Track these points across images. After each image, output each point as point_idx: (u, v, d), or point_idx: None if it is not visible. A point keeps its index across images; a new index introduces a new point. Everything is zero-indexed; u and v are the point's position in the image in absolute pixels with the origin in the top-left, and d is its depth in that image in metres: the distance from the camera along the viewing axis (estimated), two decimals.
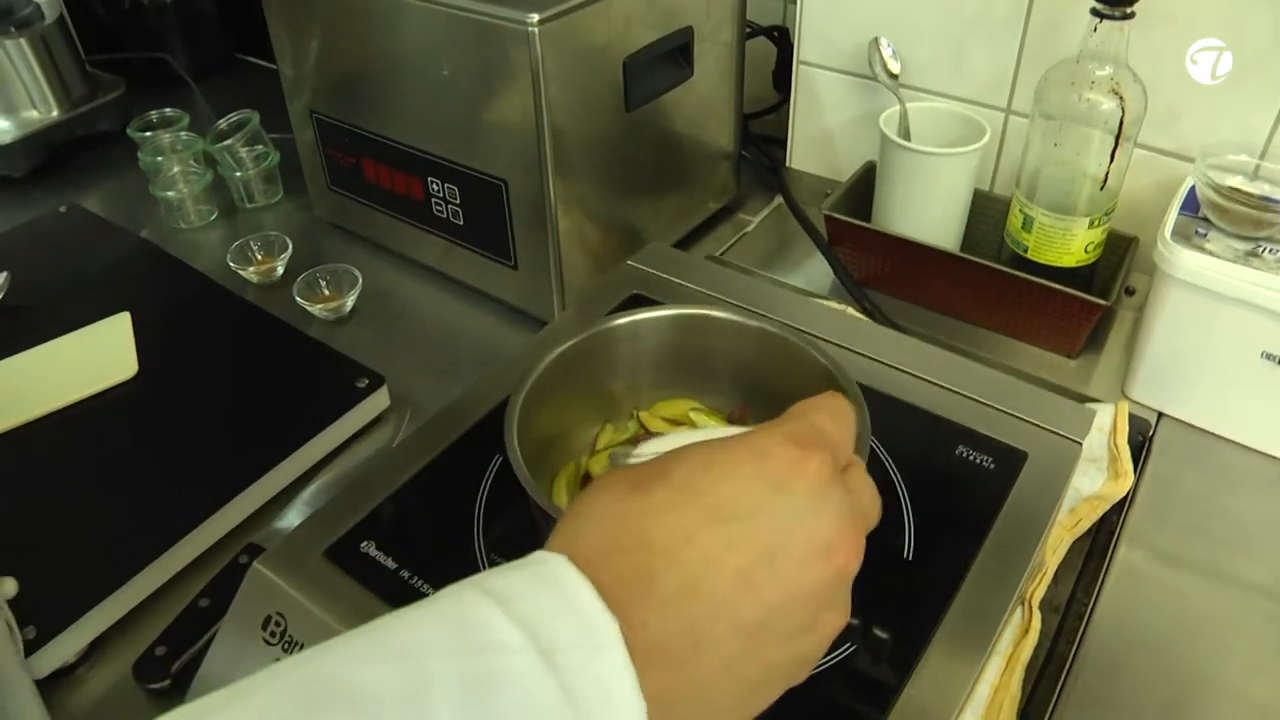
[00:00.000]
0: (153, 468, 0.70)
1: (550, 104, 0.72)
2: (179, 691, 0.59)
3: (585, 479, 0.58)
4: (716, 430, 0.59)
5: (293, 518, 0.69)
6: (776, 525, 0.33)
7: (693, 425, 0.60)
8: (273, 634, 0.55)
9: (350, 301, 0.86)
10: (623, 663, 0.29)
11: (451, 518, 0.58)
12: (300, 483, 0.72)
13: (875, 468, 0.60)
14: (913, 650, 0.50)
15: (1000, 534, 0.56)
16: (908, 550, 0.56)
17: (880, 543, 0.55)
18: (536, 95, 0.71)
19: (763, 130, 1.04)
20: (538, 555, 0.32)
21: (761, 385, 0.60)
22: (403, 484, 0.60)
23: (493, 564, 0.56)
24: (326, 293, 0.87)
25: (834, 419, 0.38)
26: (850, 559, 0.35)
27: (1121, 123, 0.70)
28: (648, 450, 0.57)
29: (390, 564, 0.56)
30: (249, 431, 0.73)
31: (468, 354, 0.83)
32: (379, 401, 0.76)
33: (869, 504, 0.38)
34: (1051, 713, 0.57)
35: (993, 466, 0.60)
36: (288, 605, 0.55)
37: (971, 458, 0.60)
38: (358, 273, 0.87)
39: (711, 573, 0.32)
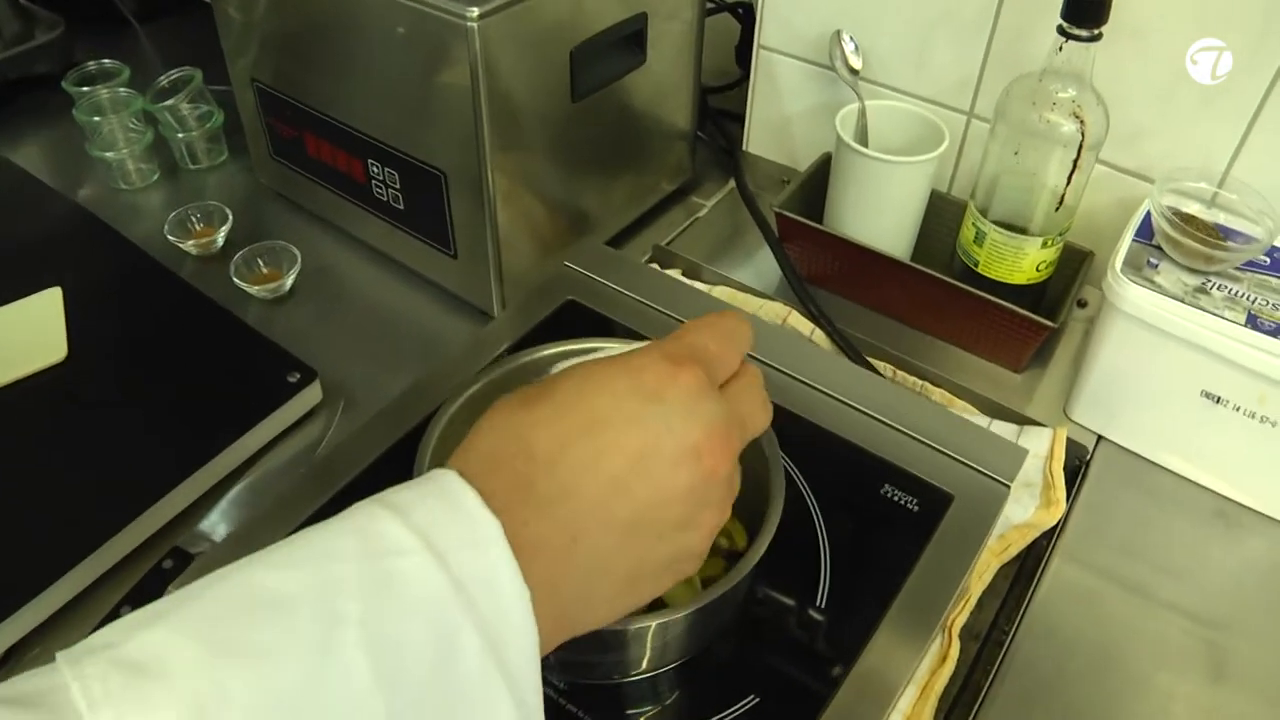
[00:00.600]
0: (75, 465, 0.68)
1: (490, 99, 0.69)
2: None
3: None
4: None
5: (218, 519, 0.68)
6: (647, 432, 0.36)
7: None
8: None
9: (289, 281, 0.84)
10: (505, 557, 0.33)
11: None
12: (227, 482, 0.70)
13: (797, 506, 0.59)
14: (814, 706, 0.50)
15: (916, 586, 0.55)
16: (821, 598, 0.55)
17: (794, 588, 0.56)
18: (475, 91, 0.68)
19: (724, 105, 1.01)
20: (434, 472, 0.36)
21: None
22: (321, 505, 0.59)
23: None
24: (265, 271, 0.85)
25: (715, 336, 0.41)
26: (719, 462, 0.38)
27: (1081, 146, 0.68)
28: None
29: None
30: (176, 428, 0.71)
31: (405, 341, 0.82)
32: (310, 397, 0.75)
33: (751, 413, 0.41)
34: None
35: (917, 509, 0.59)
36: None
37: (897, 498, 0.60)
38: (297, 251, 0.84)
39: (585, 477, 0.36)
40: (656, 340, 0.40)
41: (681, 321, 0.69)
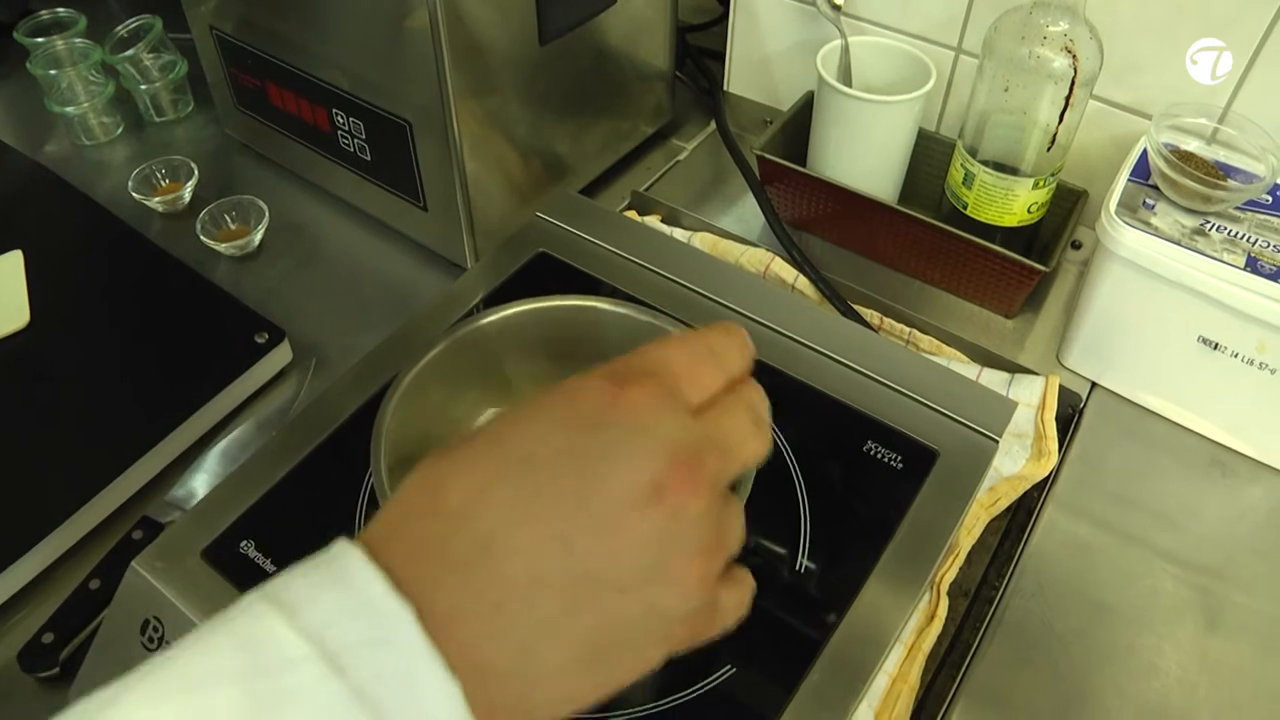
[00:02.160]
0: (39, 436, 0.66)
1: (451, 45, 0.65)
2: (69, 678, 0.57)
3: None
4: None
5: (189, 486, 0.67)
6: (588, 466, 0.30)
7: None
8: (151, 639, 0.53)
9: (258, 237, 0.81)
10: (420, 647, 0.28)
11: (333, 515, 0.56)
12: (197, 448, 0.69)
13: (775, 465, 0.57)
14: (794, 674, 0.49)
15: (901, 544, 0.54)
16: (800, 562, 0.54)
17: (771, 552, 0.54)
18: (435, 37, 0.64)
19: (704, 42, 0.97)
20: (335, 548, 0.30)
21: None
22: (286, 474, 0.57)
23: None
24: (232, 227, 0.82)
25: (685, 351, 0.34)
26: (688, 497, 0.30)
27: (1073, 82, 0.65)
28: None
29: (269, 567, 0.54)
30: (142, 393, 0.69)
31: (378, 298, 0.79)
32: (280, 357, 0.72)
33: (737, 437, 0.33)
34: (948, 705, 0.57)
35: (901, 466, 0.57)
36: (164, 610, 0.53)
37: (880, 455, 0.58)
38: (264, 206, 0.81)
39: (510, 527, 0.29)
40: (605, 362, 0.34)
41: (659, 274, 0.67)
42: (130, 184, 0.84)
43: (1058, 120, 0.67)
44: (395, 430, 0.50)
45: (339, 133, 0.78)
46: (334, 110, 0.77)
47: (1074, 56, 0.64)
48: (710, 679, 0.49)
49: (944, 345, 0.73)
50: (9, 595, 0.60)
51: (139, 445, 0.65)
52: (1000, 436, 0.59)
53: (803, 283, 0.75)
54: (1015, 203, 0.71)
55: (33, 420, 0.67)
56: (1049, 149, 0.69)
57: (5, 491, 0.63)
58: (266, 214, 0.81)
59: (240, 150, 0.92)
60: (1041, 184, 0.70)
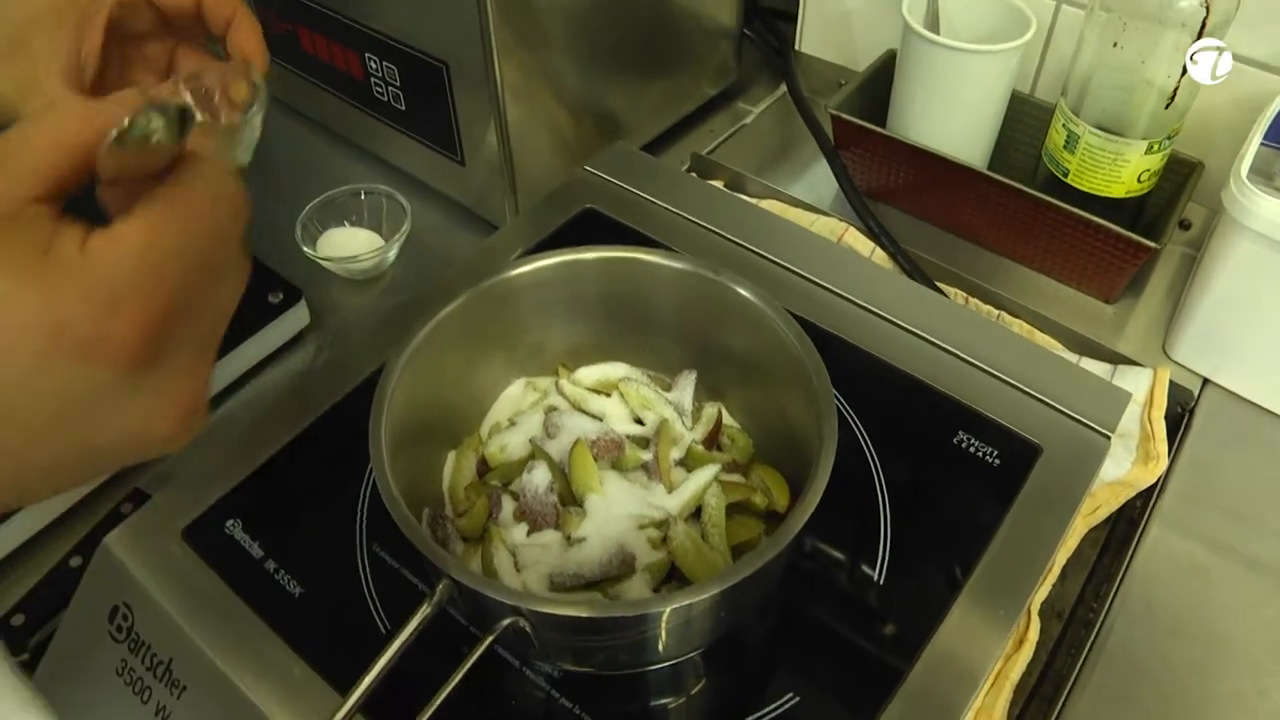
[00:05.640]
0: None
1: None
2: (37, 666, 0.50)
3: (482, 464, 0.48)
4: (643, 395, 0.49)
5: (187, 456, 0.60)
6: None
7: (623, 397, 0.49)
8: (119, 628, 0.47)
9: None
10: None
11: (334, 494, 0.49)
12: None
13: (852, 457, 0.49)
14: (868, 707, 0.41)
15: (997, 558, 0.46)
16: (879, 571, 0.46)
17: (846, 558, 0.46)
18: None
19: (772, 3, 0.89)
20: None
21: (710, 341, 0.49)
22: (282, 447, 0.51)
23: (373, 559, 0.47)
24: None
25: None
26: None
27: (1204, 25, 0.56)
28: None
29: (256, 551, 0.47)
30: None
31: (406, 259, 0.72)
32: (295, 320, 0.66)
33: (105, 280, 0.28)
34: None
35: (998, 463, 0.49)
36: (135, 596, 0.47)
37: (973, 449, 0.50)
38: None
39: None
40: None
41: (721, 235, 0.59)
42: None
43: (1180, 73, 0.58)
44: (403, 398, 0.43)
45: (372, 80, 0.71)
46: (367, 55, 0.70)
47: None
48: (768, 709, 0.41)
49: (1036, 330, 0.65)
50: None
51: None
52: (1113, 432, 0.50)
53: (879, 256, 0.67)
54: (1125, 170, 0.63)
55: None
56: (1167, 107, 0.60)
57: None
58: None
59: (270, 105, 0.86)
60: (1156, 148, 0.62)
